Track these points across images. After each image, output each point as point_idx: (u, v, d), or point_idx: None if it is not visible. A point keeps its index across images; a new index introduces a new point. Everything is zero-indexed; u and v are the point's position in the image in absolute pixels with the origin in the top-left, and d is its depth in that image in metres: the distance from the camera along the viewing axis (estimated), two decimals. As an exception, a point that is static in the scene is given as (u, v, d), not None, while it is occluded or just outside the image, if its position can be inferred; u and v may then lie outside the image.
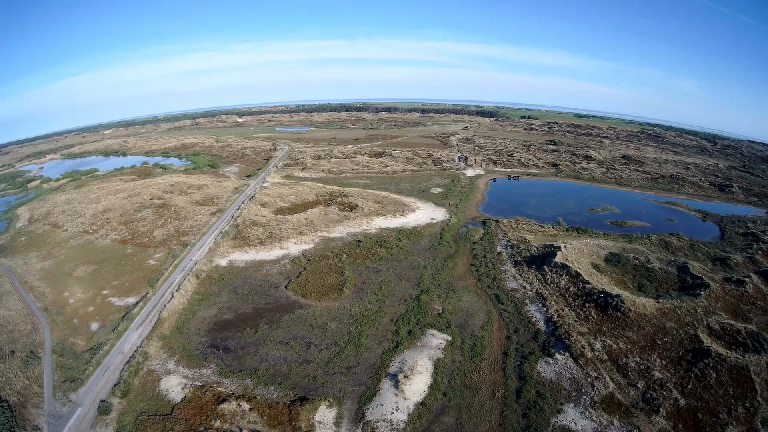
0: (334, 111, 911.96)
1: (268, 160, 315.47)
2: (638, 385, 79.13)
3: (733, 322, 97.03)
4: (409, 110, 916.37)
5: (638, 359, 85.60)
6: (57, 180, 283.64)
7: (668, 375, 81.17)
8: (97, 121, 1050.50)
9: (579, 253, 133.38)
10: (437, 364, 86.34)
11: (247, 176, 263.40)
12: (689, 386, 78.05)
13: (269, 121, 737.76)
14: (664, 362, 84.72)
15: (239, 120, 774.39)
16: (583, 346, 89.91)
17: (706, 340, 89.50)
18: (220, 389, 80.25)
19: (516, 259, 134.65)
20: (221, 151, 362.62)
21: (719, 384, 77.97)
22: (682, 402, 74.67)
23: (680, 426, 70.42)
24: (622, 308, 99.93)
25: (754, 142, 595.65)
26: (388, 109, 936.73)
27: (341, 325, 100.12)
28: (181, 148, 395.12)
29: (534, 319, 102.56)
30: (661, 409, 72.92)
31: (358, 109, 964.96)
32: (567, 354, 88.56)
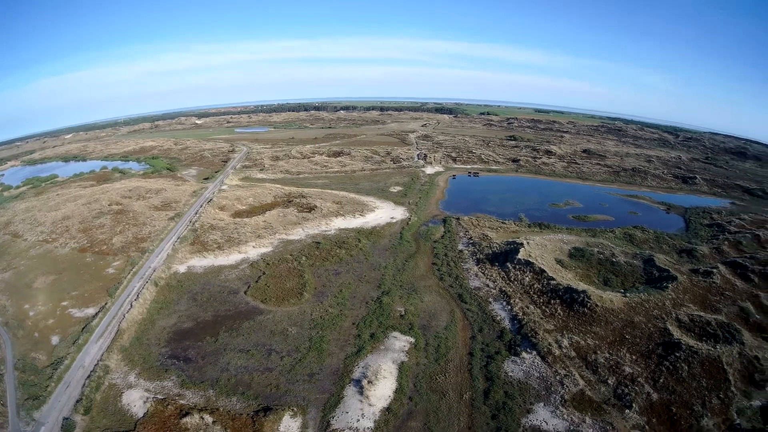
0: (293, 111, 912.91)
1: (226, 161, 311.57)
2: (609, 381, 78.84)
3: (702, 313, 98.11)
4: (368, 108, 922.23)
5: (607, 355, 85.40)
6: (17, 187, 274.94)
7: (639, 369, 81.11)
8: (59, 126, 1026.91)
9: (542, 249, 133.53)
10: (402, 368, 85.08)
11: (206, 179, 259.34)
12: (661, 380, 78.10)
13: (228, 122, 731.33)
14: (634, 357, 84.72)
15: (198, 122, 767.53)
16: (550, 344, 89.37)
17: (676, 333, 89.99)
18: (182, 402, 78.33)
19: (478, 256, 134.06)
20: (180, 154, 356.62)
21: (692, 376, 78.26)
22: (654, 396, 74.65)
23: (654, 420, 70.34)
24: (588, 304, 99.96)
25: (716, 134, 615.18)
26: (346, 108, 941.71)
27: (302, 331, 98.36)
28: (140, 152, 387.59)
29: (499, 318, 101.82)
30: (634, 405, 72.80)
31: (317, 108, 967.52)
32: (534, 352, 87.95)
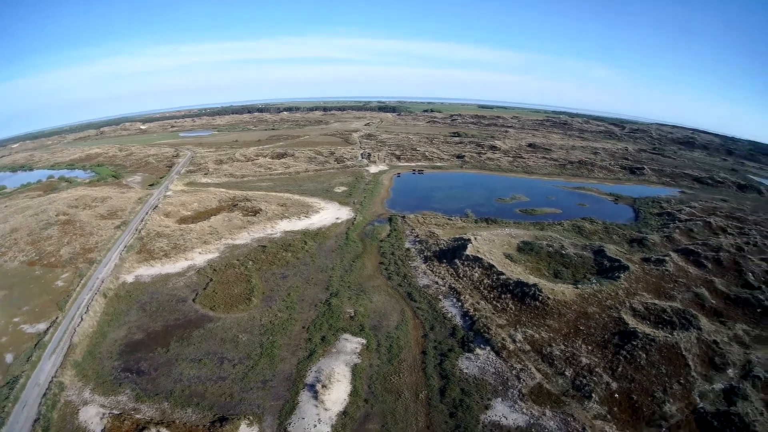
0: (236, 113, 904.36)
1: (170, 167, 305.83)
2: (566, 373, 78.53)
3: (656, 301, 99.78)
4: (311, 109, 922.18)
5: (563, 347, 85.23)
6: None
7: (596, 360, 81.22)
8: (7, 135, 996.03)
9: (490, 244, 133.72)
10: (355, 370, 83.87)
11: (151, 185, 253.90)
12: (619, 369, 78.30)
13: (172, 126, 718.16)
14: (590, 347, 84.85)
15: (143, 127, 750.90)
16: (503, 339, 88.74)
17: (631, 322, 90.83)
18: (138, 416, 75.79)
19: (426, 254, 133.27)
20: (125, 161, 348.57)
21: (650, 364, 78.79)
22: (614, 385, 74.72)
23: (615, 409, 70.39)
24: (540, 297, 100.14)
25: (663, 124, 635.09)
26: (289, 109, 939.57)
27: (253, 337, 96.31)
28: (86, 159, 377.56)
29: (450, 315, 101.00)
30: (593, 395, 72.60)
31: (260, 110, 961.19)
32: (488, 348, 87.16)
